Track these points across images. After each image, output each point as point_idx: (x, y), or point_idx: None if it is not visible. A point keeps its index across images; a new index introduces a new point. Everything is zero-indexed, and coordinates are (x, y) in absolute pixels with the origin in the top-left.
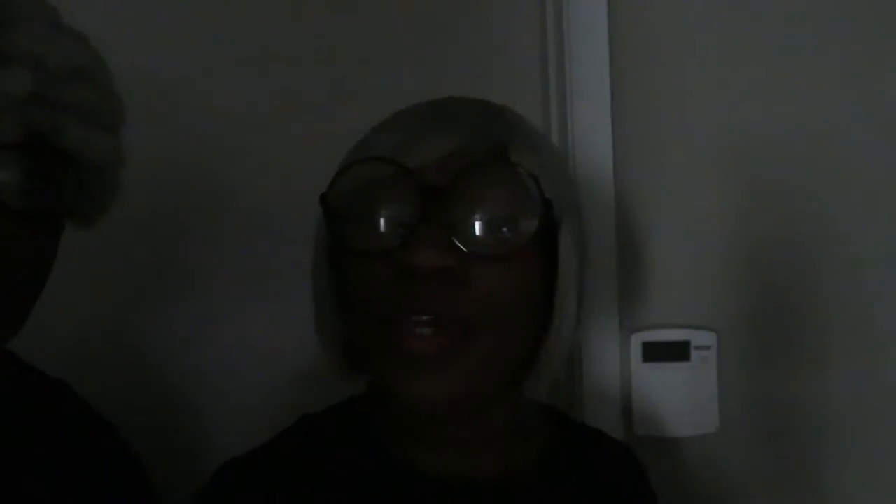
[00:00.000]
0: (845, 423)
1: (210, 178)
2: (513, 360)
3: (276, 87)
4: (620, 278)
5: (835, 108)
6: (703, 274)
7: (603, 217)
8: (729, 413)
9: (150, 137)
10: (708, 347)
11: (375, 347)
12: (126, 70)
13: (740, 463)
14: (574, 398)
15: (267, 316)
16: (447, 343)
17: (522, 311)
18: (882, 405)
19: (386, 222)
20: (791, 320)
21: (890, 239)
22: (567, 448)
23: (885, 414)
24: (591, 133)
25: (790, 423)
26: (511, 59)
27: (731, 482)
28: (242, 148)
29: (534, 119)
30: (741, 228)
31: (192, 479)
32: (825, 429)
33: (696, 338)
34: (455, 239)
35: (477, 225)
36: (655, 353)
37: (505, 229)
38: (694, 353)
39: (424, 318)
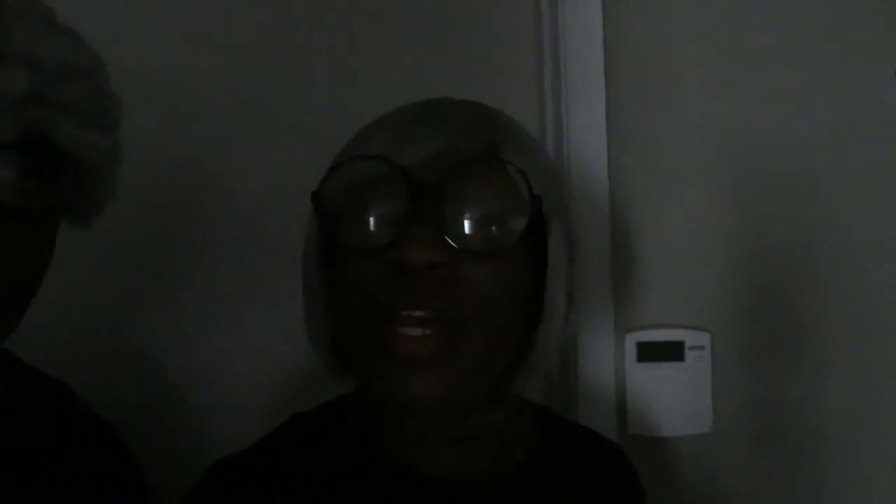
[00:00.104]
0: (839, 423)
1: (209, 179)
2: (503, 358)
3: (276, 87)
4: (615, 278)
5: (829, 109)
6: (697, 274)
7: (597, 217)
8: (723, 413)
9: (148, 137)
10: (702, 347)
11: (367, 346)
12: (123, 69)
13: (734, 463)
14: (569, 398)
15: (266, 316)
16: (438, 343)
17: (512, 309)
18: (875, 405)
19: (377, 220)
20: (785, 321)
21: (884, 239)
22: (557, 447)
23: (879, 414)
24: (586, 134)
25: (784, 423)
26: (506, 60)
27: (724, 482)
28: (241, 149)
29: (529, 120)
30: (735, 229)
31: (191, 479)
32: (819, 429)
33: (691, 338)
34: (446, 236)
35: (467, 222)
36: (650, 353)
37: (494, 227)
38: (688, 354)
39: (416, 314)
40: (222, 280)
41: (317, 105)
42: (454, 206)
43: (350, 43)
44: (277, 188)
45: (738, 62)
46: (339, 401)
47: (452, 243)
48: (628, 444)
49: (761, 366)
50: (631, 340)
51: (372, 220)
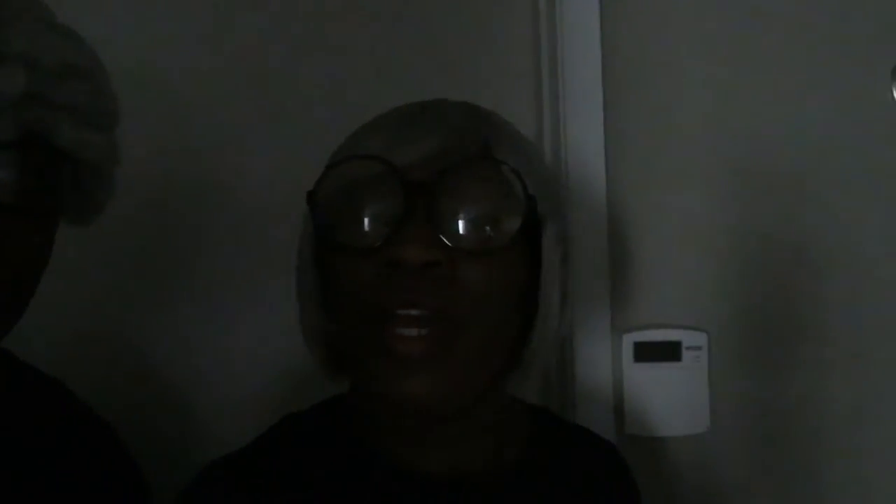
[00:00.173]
0: (836, 423)
1: (208, 179)
2: (498, 357)
3: (275, 88)
4: (612, 279)
5: (827, 110)
6: (694, 274)
7: (595, 218)
8: (720, 413)
9: (147, 137)
10: (699, 348)
11: (362, 346)
12: (123, 69)
13: (731, 463)
14: (566, 398)
15: (266, 316)
16: (433, 342)
17: (507, 308)
18: (874, 405)
19: (372, 219)
20: (782, 321)
21: (881, 240)
22: (552, 446)
23: (876, 414)
24: (584, 135)
25: (781, 423)
26: (504, 62)
27: (721, 482)
28: (241, 150)
29: (526, 121)
30: (733, 229)
31: (190, 479)
32: (816, 429)
33: (688, 338)
34: (441, 235)
35: (462, 221)
36: (647, 353)
37: (489, 227)
38: (685, 354)
39: (412, 312)
40: (221, 280)
41: (315, 106)
42: (449, 205)
43: (348, 44)
44: (277, 188)
45: (735, 63)
46: (333, 400)
47: (447, 242)
48: (625, 444)
49: (759, 366)
50: (628, 340)
51: (367, 219)
